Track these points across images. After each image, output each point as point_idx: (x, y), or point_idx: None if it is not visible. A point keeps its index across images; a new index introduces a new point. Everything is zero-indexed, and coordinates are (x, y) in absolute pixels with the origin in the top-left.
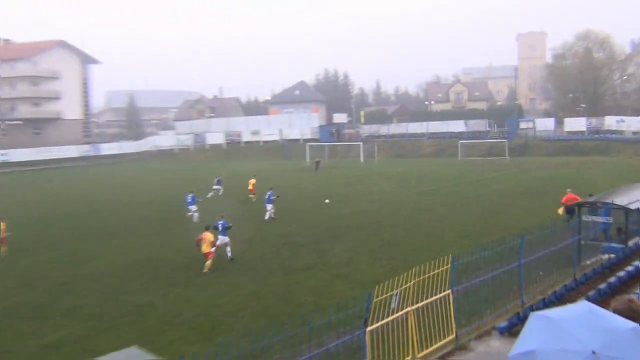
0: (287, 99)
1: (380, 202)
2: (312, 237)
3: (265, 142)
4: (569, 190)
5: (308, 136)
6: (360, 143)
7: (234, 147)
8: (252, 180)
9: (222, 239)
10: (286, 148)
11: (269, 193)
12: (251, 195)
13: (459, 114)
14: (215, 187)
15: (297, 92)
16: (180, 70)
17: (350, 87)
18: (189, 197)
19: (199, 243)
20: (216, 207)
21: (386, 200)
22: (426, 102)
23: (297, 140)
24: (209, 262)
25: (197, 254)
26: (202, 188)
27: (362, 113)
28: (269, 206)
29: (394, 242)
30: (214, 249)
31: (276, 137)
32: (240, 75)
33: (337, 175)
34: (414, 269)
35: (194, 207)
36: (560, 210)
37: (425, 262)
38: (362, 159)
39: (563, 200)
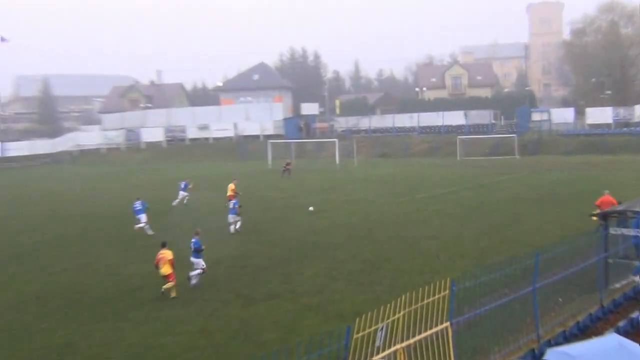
0: (244, 85)
1: (361, 213)
2: (277, 257)
3: (216, 139)
4: (606, 192)
5: (270, 131)
6: (336, 140)
7: (177, 145)
8: (232, 185)
9: (196, 262)
10: (243, 146)
11: (233, 202)
12: (227, 203)
13: (457, 103)
14: (181, 192)
15: (255, 77)
16: (108, 50)
17: (323, 71)
18: (137, 204)
19: (157, 265)
20: (179, 219)
21: (369, 211)
22: (417, 89)
23: (257, 136)
24: (170, 285)
25: (132, 281)
26: (149, 199)
27: (337, 102)
28: (233, 217)
29: (378, 263)
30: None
31: (230, 133)
32: (185, 56)
33: (307, 181)
34: (403, 297)
35: (143, 217)
36: (595, 217)
37: (418, 288)
38: (337, 160)
39: (597, 202)
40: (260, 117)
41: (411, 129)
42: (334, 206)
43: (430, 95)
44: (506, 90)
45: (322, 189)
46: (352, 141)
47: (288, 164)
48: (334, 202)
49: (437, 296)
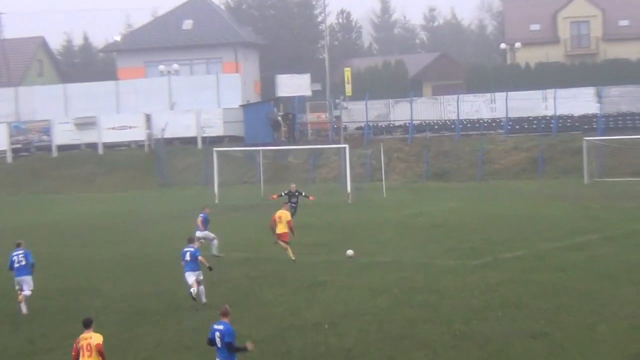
0: (164, 41)
1: (395, 288)
2: None
3: (111, 146)
4: None
5: (217, 130)
6: (345, 146)
7: (36, 159)
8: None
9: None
10: (164, 160)
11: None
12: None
13: (582, 72)
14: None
15: (187, 24)
16: None
17: (320, 11)
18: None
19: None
20: None
21: (410, 285)
22: (502, 46)
23: (190, 140)
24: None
25: None
26: None
27: (347, 74)
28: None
29: None
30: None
31: (138, 135)
32: None
33: (303, 229)
34: None
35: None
36: None
37: None
38: (349, 185)
39: None
40: (198, 103)
41: (492, 124)
42: (344, 275)
43: (528, 57)
44: None
45: (319, 244)
46: (378, 149)
47: (292, 194)
48: (342, 268)
49: None
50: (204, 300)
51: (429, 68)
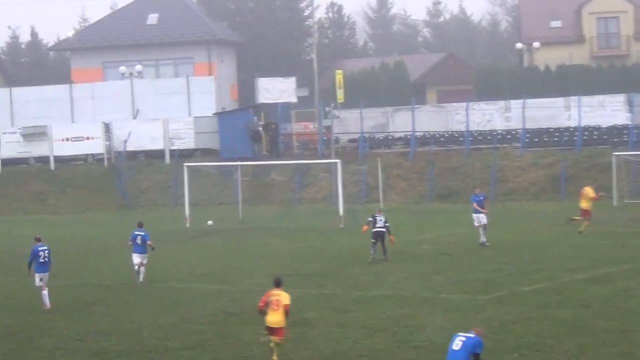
0: (125, 38)
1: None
2: None
3: (64, 161)
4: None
5: (187, 143)
6: (337, 161)
7: None
8: None
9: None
10: (125, 178)
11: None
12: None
13: (609, 76)
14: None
15: (152, 18)
16: None
17: (307, 4)
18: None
19: (262, 312)
20: None
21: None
22: (518, 45)
23: (156, 154)
24: (274, 346)
25: None
26: None
27: (338, 77)
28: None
29: None
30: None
31: (96, 147)
32: None
33: (288, 258)
34: None
35: None
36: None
37: None
38: (341, 207)
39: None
40: (165, 110)
41: (507, 136)
42: (335, 310)
43: (548, 59)
44: None
45: (306, 274)
46: (374, 165)
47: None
48: (333, 303)
49: None
50: (141, 279)
51: (434, 71)
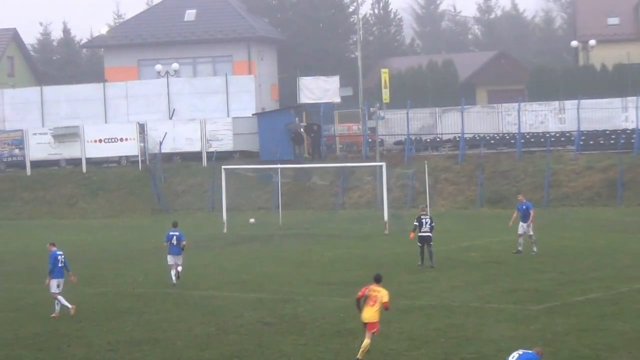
0: (161, 36)
1: None
2: None
3: (99, 162)
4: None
5: (226, 145)
6: (382, 164)
7: (6, 178)
8: None
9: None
10: (160, 181)
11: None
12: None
13: None
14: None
15: (190, 14)
16: None
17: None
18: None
19: (359, 302)
20: None
21: None
22: (573, 43)
23: (193, 156)
24: (367, 343)
25: None
26: None
27: (384, 76)
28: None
29: None
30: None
31: (130, 149)
32: None
33: (330, 265)
34: None
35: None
36: None
37: None
38: (386, 213)
39: None
40: (203, 110)
41: (561, 138)
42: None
43: (605, 57)
44: None
45: (348, 282)
46: (421, 168)
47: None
48: None
49: None
50: (174, 281)
51: (484, 70)
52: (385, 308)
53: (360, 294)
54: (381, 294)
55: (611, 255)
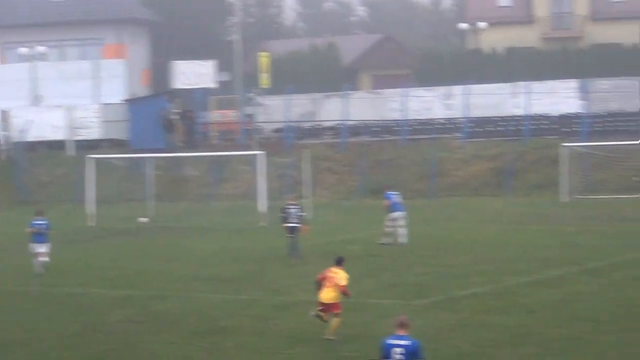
0: (25, 18)
1: None
2: None
3: None
4: None
5: (94, 133)
6: (260, 153)
7: None
8: None
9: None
10: (23, 171)
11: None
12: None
13: (560, 61)
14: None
15: None
16: None
17: None
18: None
19: (319, 285)
20: None
21: None
22: (461, 26)
23: (56, 144)
24: (336, 322)
25: None
26: None
27: (262, 60)
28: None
29: None
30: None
31: None
32: None
33: (203, 260)
34: None
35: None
36: None
37: None
38: (263, 205)
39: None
40: (70, 96)
41: (448, 125)
42: (253, 318)
43: (495, 40)
44: None
45: (222, 278)
46: (301, 157)
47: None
48: (251, 309)
49: None
50: (38, 270)
51: (369, 54)
52: (343, 293)
53: (320, 276)
54: (339, 275)
55: (498, 247)
